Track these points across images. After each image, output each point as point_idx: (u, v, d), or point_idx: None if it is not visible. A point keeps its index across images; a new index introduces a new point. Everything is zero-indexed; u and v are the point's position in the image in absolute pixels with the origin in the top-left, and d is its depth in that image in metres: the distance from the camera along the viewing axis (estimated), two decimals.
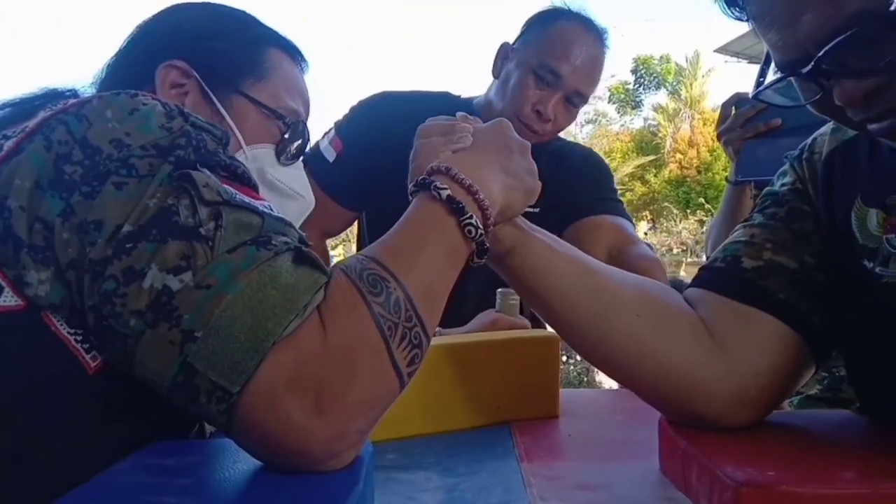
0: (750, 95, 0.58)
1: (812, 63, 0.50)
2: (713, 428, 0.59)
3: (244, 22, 0.76)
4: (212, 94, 0.70)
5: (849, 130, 0.62)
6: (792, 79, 0.55)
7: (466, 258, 0.55)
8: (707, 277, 0.66)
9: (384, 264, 0.48)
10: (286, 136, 0.75)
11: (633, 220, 1.38)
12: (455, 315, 0.99)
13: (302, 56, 0.79)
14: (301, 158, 0.79)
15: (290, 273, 0.45)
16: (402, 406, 0.72)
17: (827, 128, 0.66)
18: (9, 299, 0.47)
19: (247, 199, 0.48)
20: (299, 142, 0.77)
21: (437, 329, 0.99)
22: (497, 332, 0.93)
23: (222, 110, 0.71)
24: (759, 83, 0.56)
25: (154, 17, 0.74)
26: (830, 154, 0.64)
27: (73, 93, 0.61)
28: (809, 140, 0.68)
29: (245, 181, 0.52)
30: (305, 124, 0.78)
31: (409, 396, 0.73)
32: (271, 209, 0.50)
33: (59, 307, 0.47)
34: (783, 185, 0.68)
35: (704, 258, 1.44)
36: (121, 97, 0.51)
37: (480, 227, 0.53)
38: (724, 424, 0.59)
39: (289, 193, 0.78)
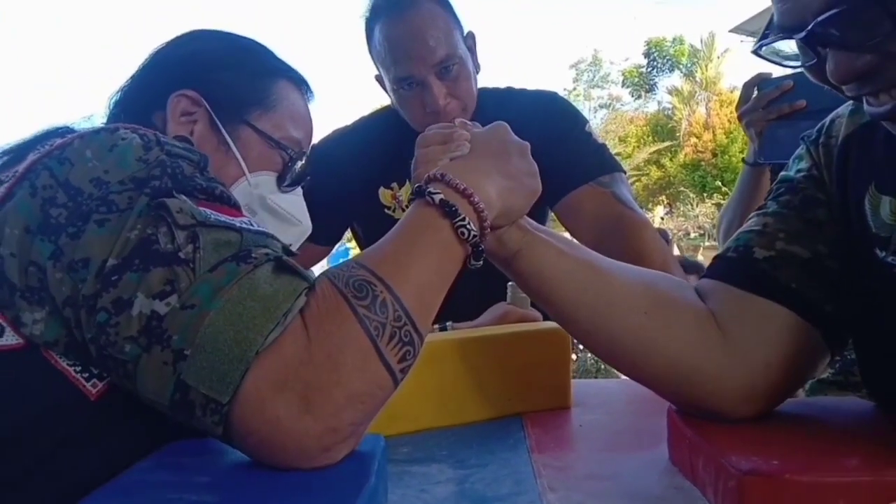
0: (749, 50, 0.59)
1: (805, 31, 0.51)
2: (724, 420, 0.60)
3: (256, 53, 0.79)
4: (220, 125, 0.73)
5: (866, 114, 0.60)
6: (795, 41, 0.55)
7: (462, 260, 0.56)
8: (719, 268, 0.66)
9: (371, 269, 0.50)
10: (288, 165, 0.78)
11: (641, 199, 1.30)
12: (465, 309, 1.01)
13: (308, 87, 0.83)
14: (299, 185, 0.82)
15: (270, 283, 0.47)
16: (414, 400, 0.74)
17: (845, 109, 0.65)
18: (10, 339, 0.50)
19: (223, 217, 0.50)
20: (299, 170, 0.80)
21: (449, 323, 1.00)
22: (508, 326, 0.93)
23: (228, 140, 0.74)
24: (761, 39, 0.57)
25: (169, 43, 0.77)
26: (847, 138, 0.63)
27: (66, 130, 0.62)
28: (827, 121, 0.67)
29: (224, 201, 0.54)
30: (306, 154, 0.81)
31: (421, 391, 0.75)
32: (251, 224, 0.52)
33: (53, 344, 0.50)
34: (798, 171, 0.67)
35: (718, 243, 1.43)
36: (100, 135, 0.53)
37: (475, 229, 0.55)
38: (735, 417, 0.60)
39: (288, 218, 0.81)
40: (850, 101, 0.63)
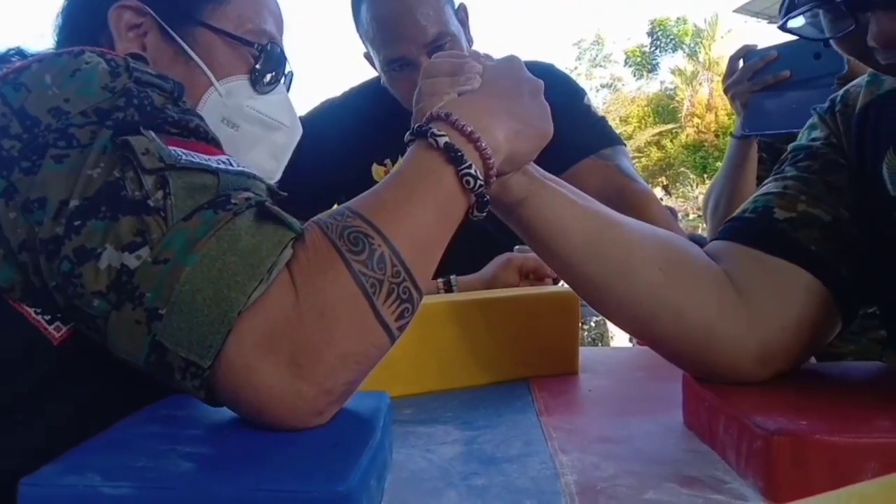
0: (777, 25, 0.56)
1: None
2: (736, 383, 0.57)
3: None
4: (171, 31, 0.65)
5: (885, 84, 0.60)
6: (821, 11, 0.53)
7: (465, 211, 0.52)
8: (735, 228, 0.63)
9: (368, 219, 0.45)
10: (260, 62, 0.69)
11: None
12: (468, 268, 0.97)
13: None
14: (282, 83, 0.73)
15: (252, 234, 0.43)
16: (417, 362, 0.72)
17: (861, 80, 0.64)
18: None
19: (197, 158, 0.46)
20: (276, 65, 0.71)
21: (453, 277, 0.97)
22: (517, 289, 0.91)
23: (185, 47, 0.65)
24: (786, 12, 0.54)
25: None
26: (865, 107, 0.62)
27: (18, 52, 0.57)
28: (841, 92, 0.66)
29: (200, 135, 0.49)
30: (280, 44, 0.72)
31: (425, 353, 0.73)
32: (230, 163, 0.47)
33: (8, 290, 0.46)
34: (814, 139, 0.65)
35: (705, 219, 1.40)
36: (62, 58, 0.48)
37: (480, 177, 0.50)
38: (747, 380, 0.57)
39: (271, 124, 0.72)
40: (867, 73, 0.62)
